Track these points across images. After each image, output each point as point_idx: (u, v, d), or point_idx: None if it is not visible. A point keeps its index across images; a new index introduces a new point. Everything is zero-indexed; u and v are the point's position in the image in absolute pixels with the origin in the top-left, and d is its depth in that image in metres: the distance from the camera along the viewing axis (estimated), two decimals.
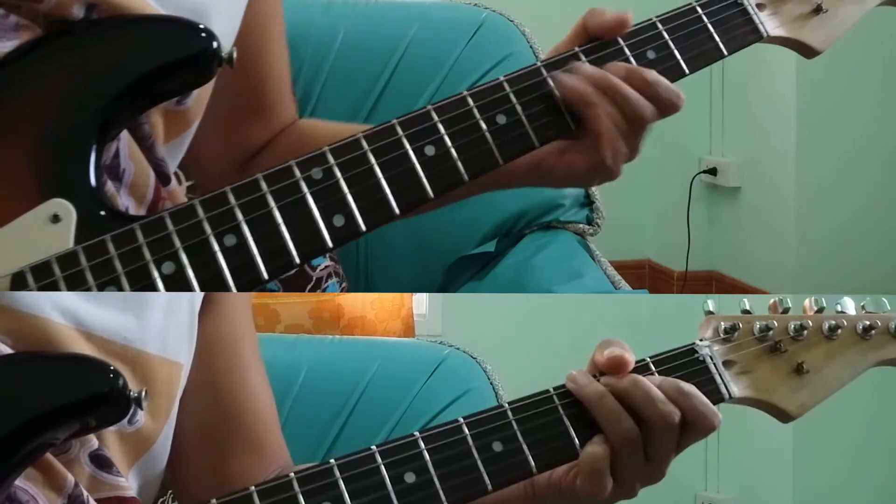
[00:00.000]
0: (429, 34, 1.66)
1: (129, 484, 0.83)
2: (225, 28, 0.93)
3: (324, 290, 1.66)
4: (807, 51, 0.98)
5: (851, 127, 3.13)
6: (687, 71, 0.91)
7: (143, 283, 0.74)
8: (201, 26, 0.83)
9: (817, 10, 0.97)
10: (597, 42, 0.90)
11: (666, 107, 0.88)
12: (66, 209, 0.76)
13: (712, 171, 3.42)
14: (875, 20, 1.02)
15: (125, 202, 0.85)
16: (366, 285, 1.77)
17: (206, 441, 0.92)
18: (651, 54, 0.90)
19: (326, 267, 1.71)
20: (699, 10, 0.93)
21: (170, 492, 0.97)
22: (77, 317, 0.81)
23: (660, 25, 0.92)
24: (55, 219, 0.76)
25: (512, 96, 0.87)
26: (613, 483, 0.83)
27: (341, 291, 1.71)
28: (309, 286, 1.70)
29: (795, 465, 2.91)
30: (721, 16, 0.94)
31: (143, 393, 0.78)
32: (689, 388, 0.84)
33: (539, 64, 0.88)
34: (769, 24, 0.96)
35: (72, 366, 0.78)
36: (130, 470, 0.85)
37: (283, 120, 1.06)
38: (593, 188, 1.68)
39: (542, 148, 0.87)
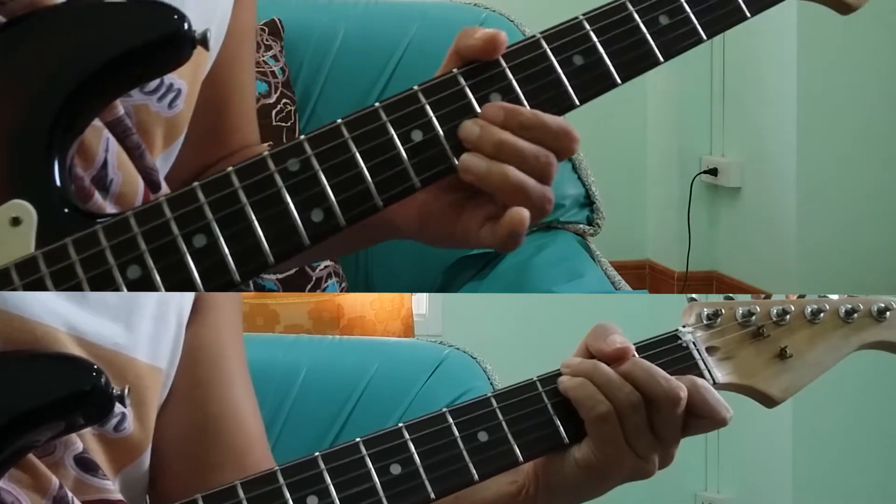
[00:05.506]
0: (429, 34, 1.66)
1: (115, 487, 0.81)
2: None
3: (323, 290, 1.66)
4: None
5: (852, 127, 3.13)
6: None
7: (106, 289, 0.70)
8: (172, 7, 0.77)
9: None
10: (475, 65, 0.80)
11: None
12: (27, 211, 0.72)
13: (713, 172, 3.42)
14: (875, 20, 1.01)
15: (112, 212, 0.81)
16: (366, 285, 1.76)
17: (186, 453, 0.89)
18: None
19: (326, 267, 1.71)
20: None
21: None
22: (68, 321, 0.79)
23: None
24: (15, 222, 0.71)
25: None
26: (630, 450, 0.81)
27: (341, 291, 1.71)
28: (309, 286, 1.70)
29: (795, 465, 2.91)
30: None
31: (126, 390, 0.75)
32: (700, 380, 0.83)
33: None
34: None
35: (54, 364, 0.76)
36: (116, 477, 0.84)
37: (242, 142, 1.01)
38: (594, 188, 1.68)
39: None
